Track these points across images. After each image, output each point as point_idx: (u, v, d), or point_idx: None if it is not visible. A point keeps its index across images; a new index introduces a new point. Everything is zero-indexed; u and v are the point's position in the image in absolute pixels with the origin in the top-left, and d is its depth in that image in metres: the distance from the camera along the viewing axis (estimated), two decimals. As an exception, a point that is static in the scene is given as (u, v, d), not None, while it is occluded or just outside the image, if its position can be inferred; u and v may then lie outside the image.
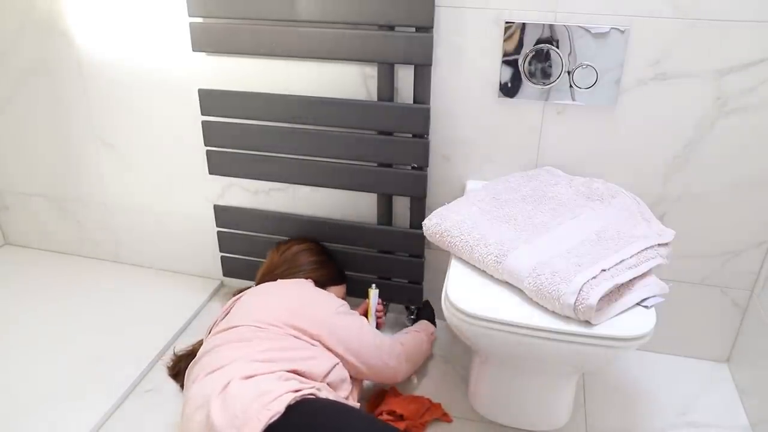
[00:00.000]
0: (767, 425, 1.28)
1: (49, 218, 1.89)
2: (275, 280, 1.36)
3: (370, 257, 1.53)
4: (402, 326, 1.63)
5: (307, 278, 1.38)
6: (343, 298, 1.45)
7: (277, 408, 0.94)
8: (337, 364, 1.17)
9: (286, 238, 1.52)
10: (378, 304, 1.47)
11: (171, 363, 1.39)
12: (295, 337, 1.16)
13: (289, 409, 0.95)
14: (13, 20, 1.58)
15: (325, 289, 1.39)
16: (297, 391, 1.00)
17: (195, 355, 1.41)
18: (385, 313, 1.54)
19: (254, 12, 1.33)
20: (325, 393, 1.07)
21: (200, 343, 1.45)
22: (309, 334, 1.18)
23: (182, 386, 1.40)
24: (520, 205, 1.22)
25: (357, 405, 1.17)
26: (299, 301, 1.24)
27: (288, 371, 1.06)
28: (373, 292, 1.45)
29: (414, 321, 1.56)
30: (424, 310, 1.57)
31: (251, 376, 1.02)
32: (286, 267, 1.40)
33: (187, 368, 1.40)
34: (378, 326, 1.46)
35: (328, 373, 1.13)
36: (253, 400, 0.96)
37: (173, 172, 1.67)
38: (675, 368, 1.51)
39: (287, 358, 1.10)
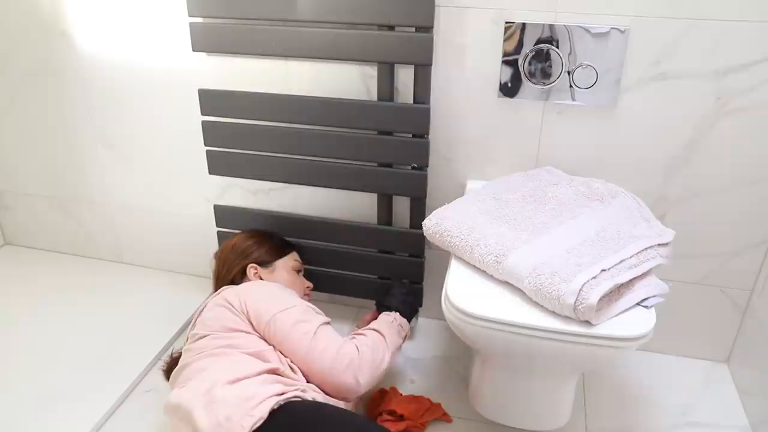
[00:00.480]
0: (767, 425, 1.28)
1: (50, 218, 1.89)
2: (231, 283, 1.36)
3: (370, 257, 1.53)
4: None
5: (252, 263, 1.37)
6: (297, 263, 1.45)
7: (260, 414, 0.94)
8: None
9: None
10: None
11: (166, 366, 1.40)
12: (259, 337, 1.17)
13: (273, 413, 0.95)
14: (15, 20, 1.58)
15: (275, 264, 1.40)
16: (281, 394, 0.99)
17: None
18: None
19: (254, 12, 1.33)
20: (312, 393, 1.07)
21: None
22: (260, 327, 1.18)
23: None
24: (520, 205, 1.22)
25: (343, 405, 1.16)
26: (250, 304, 1.20)
27: (269, 371, 1.06)
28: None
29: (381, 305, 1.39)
30: (392, 297, 1.38)
31: (236, 380, 1.02)
32: (229, 265, 1.40)
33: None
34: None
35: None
36: (237, 406, 0.95)
37: (173, 172, 1.67)
38: (675, 368, 1.51)
39: (264, 358, 1.10)
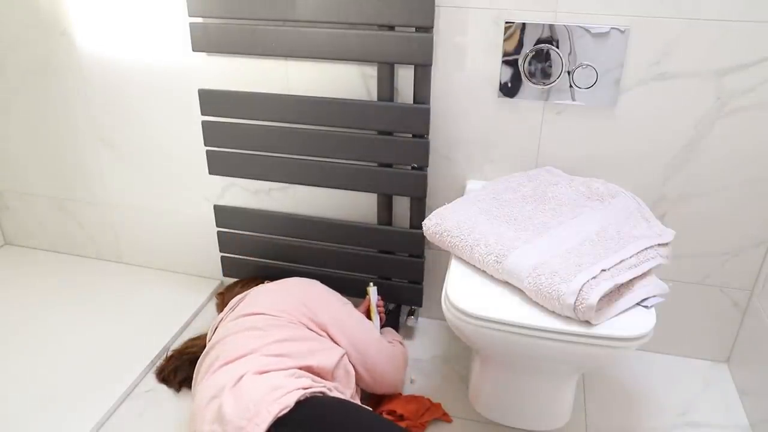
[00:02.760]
0: (767, 425, 1.28)
1: (50, 218, 1.89)
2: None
3: (370, 257, 1.53)
4: (406, 327, 1.63)
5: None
6: None
7: (287, 402, 0.95)
8: (344, 355, 1.19)
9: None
10: (378, 299, 1.48)
11: (158, 368, 1.41)
12: (306, 326, 1.19)
13: (299, 404, 0.96)
14: (14, 20, 1.58)
15: None
16: (307, 388, 1.01)
17: (182, 357, 1.42)
18: (386, 311, 1.54)
19: (254, 12, 1.33)
20: (336, 393, 1.08)
21: (191, 343, 1.46)
22: (318, 324, 1.21)
23: (174, 389, 1.40)
24: (520, 205, 1.22)
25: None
26: (309, 294, 1.27)
27: (300, 367, 1.08)
28: (372, 290, 1.46)
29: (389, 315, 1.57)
30: (393, 316, 1.58)
31: (264, 372, 1.04)
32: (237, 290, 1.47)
33: (173, 373, 1.41)
34: (380, 321, 1.47)
35: (337, 364, 1.15)
36: (265, 394, 0.97)
37: (173, 172, 1.67)
38: (675, 368, 1.51)
39: (298, 352, 1.11)
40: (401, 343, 1.43)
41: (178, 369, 1.41)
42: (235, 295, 1.40)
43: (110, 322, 1.62)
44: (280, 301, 1.22)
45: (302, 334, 1.16)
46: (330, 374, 1.13)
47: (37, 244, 1.96)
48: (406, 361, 1.40)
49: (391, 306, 1.62)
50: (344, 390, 1.15)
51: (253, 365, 1.05)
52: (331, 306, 1.27)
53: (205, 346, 1.28)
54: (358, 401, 1.20)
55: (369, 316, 1.45)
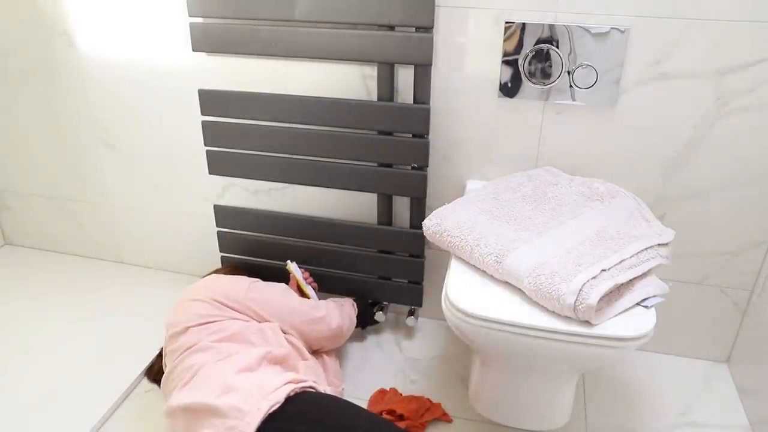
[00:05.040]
0: (767, 425, 1.28)
1: (50, 218, 1.89)
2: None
3: (370, 257, 1.53)
4: (406, 327, 1.63)
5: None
6: None
7: (277, 398, 0.96)
8: (279, 325, 1.24)
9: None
10: (302, 272, 1.50)
11: (147, 367, 1.41)
12: (230, 318, 1.21)
13: (289, 399, 0.97)
14: (14, 20, 1.58)
15: None
16: (297, 382, 1.01)
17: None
18: (312, 279, 1.55)
19: (254, 12, 1.33)
20: (323, 389, 1.09)
21: None
22: (237, 309, 1.24)
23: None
24: (520, 205, 1.22)
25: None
26: (213, 287, 1.27)
27: (263, 356, 1.09)
28: (293, 266, 1.48)
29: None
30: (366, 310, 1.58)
31: (244, 371, 1.04)
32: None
33: (160, 372, 1.41)
34: (314, 290, 1.50)
35: (285, 342, 1.19)
36: (254, 392, 0.97)
37: (173, 172, 1.67)
38: (675, 368, 1.51)
39: (248, 345, 1.13)
40: (348, 306, 1.47)
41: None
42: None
43: (110, 322, 1.62)
44: (194, 309, 1.21)
45: (236, 328, 1.17)
46: (288, 357, 1.15)
47: (37, 244, 1.96)
48: (339, 311, 1.41)
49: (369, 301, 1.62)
50: (318, 378, 1.17)
51: (227, 368, 1.04)
52: (240, 291, 1.27)
53: None
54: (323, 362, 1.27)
55: (301, 293, 1.47)
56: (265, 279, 1.39)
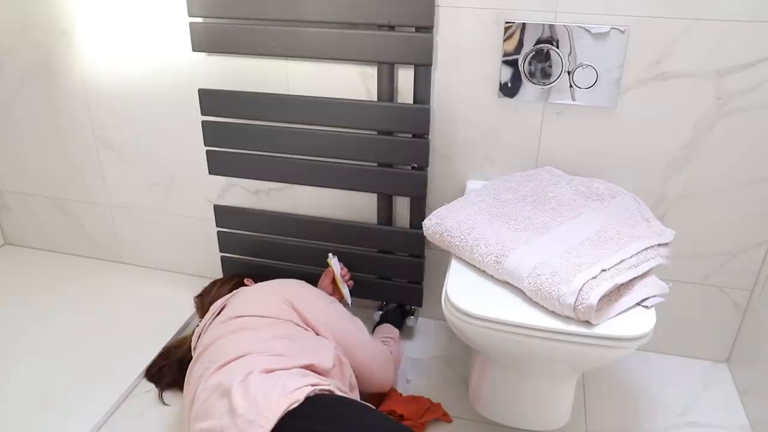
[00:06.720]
0: (767, 425, 1.28)
1: (49, 218, 1.89)
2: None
3: (370, 257, 1.53)
4: (406, 327, 1.63)
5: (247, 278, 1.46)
6: None
7: (297, 396, 0.96)
8: (336, 347, 1.19)
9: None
10: (341, 268, 1.49)
11: (147, 367, 1.41)
12: (295, 324, 1.19)
13: (308, 399, 0.97)
14: (14, 20, 1.58)
15: None
16: (316, 385, 1.01)
17: (169, 357, 1.42)
18: (350, 277, 1.53)
19: (254, 12, 1.33)
20: (340, 393, 1.08)
21: (178, 343, 1.45)
22: (306, 322, 1.21)
23: (160, 389, 1.40)
24: (520, 205, 1.22)
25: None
26: (294, 294, 1.26)
27: (303, 366, 1.08)
28: (333, 260, 1.47)
29: (382, 319, 1.56)
30: (393, 314, 1.58)
31: (271, 371, 1.04)
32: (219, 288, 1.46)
33: (159, 372, 1.40)
34: (349, 288, 1.49)
35: (335, 360, 1.15)
36: (274, 389, 0.97)
37: (173, 172, 1.67)
38: (675, 368, 1.51)
39: (295, 351, 1.11)
40: (394, 340, 1.43)
41: (165, 370, 1.41)
42: (215, 298, 1.38)
43: (110, 322, 1.62)
44: (265, 302, 1.21)
45: (294, 333, 1.16)
46: (328, 372, 1.13)
47: (37, 244, 1.96)
48: (398, 360, 1.40)
49: (392, 306, 1.62)
50: (342, 385, 1.15)
51: (257, 364, 1.04)
52: (317, 304, 1.26)
53: (190, 348, 1.28)
54: (357, 395, 1.21)
55: (335, 288, 1.46)
56: (265, 279, 1.39)
